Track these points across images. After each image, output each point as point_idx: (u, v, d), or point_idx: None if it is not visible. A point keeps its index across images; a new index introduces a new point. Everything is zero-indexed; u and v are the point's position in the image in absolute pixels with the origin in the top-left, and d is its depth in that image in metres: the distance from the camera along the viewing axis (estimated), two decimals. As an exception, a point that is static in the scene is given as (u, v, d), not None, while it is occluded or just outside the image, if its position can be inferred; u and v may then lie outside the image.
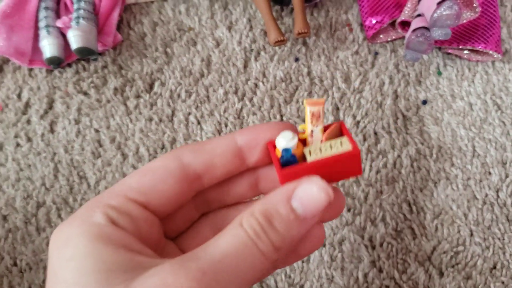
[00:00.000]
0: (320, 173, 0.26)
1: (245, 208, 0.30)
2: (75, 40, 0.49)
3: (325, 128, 0.28)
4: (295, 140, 0.28)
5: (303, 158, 0.28)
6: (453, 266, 0.43)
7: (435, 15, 0.46)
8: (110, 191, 0.27)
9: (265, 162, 0.30)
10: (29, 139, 0.49)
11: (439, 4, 0.46)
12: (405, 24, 0.51)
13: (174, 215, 0.30)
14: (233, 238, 0.24)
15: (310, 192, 0.25)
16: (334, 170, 0.27)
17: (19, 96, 0.51)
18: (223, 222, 0.31)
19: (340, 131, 0.29)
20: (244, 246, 0.24)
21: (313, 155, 0.27)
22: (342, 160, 0.27)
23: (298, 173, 0.27)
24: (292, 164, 0.27)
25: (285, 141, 0.27)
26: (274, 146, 0.28)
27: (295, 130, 0.29)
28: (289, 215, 0.25)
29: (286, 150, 0.27)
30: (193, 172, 0.28)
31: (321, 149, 0.27)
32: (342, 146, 0.27)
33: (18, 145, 0.49)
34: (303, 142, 0.29)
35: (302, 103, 0.50)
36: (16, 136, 0.49)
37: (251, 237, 0.24)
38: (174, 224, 0.30)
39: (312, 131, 0.28)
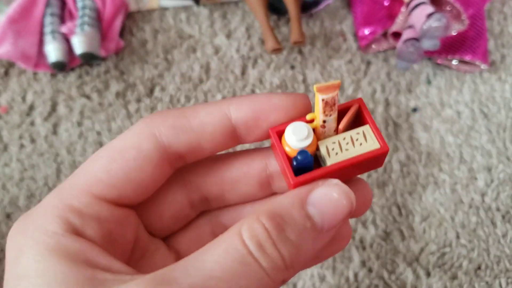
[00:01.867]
0: (340, 174, 0.22)
1: (253, 208, 0.26)
2: (79, 45, 0.51)
3: (339, 113, 0.23)
4: (311, 138, 0.22)
5: (317, 156, 0.23)
6: (439, 267, 0.45)
7: (425, 26, 0.48)
8: (72, 185, 0.22)
9: (265, 138, 0.24)
10: (33, 140, 0.50)
11: (428, 16, 0.48)
12: (397, 35, 0.53)
13: (159, 210, 0.25)
14: (226, 252, 0.19)
15: (329, 198, 0.21)
16: (356, 169, 0.23)
17: (23, 98, 0.52)
18: (227, 221, 0.27)
19: (358, 114, 0.24)
20: (241, 264, 0.19)
21: (332, 156, 0.22)
22: (368, 160, 0.22)
23: (315, 180, 0.22)
24: (308, 169, 0.22)
25: (298, 139, 0.22)
26: (279, 134, 0.23)
27: (306, 113, 0.23)
28: (305, 222, 0.20)
29: (303, 154, 0.22)
30: (173, 154, 0.23)
31: (341, 146, 0.22)
32: (367, 141, 0.22)
33: (22, 146, 0.50)
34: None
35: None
36: (20, 137, 0.51)
37: (252, 251, 0.19)
38: (162, 221, 0.25)
39: (324, 122, 0.23)
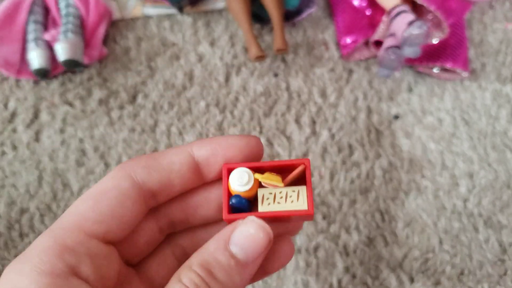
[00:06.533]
0: (269, 220, 0.26)
1: (214, 229, 0.30)
2: (62, 52, 0.51)
3: (285, 166, 0.27)
4: (250, 184, 0.27)
5: (256, 200, 0.27)
6: (423, 272, 0.45)
7: (406, 34, 0.48)
8: (62, 225, 0.24)
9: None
10: (14, 147, 0.50)
11: (409, 24, 0.49)
12: (379, 43, 0.54)
13: (134, 239, 0.27)
14: None
15: (248, 234, 0.25)
16: (284, 220, 0.27)
17: (6, 105, 0.52)
18: (187, 245, 0.30)
19: (303, 173, 0.28)
20: None
21: (265, 205, 0.26)
22: (294, 216, 0.26)
23: None
24: (242, 210, 0.27)
25: (239, 184, 0.26)
26: (230, 171, 0.27)
27: (258, 151, 0.28)
28: (230, 262, 0.24)
29: (236, 198, 0.26)
30: (148, 191, 0.26)
31: (275, 198, 0.26)
32: (298, 201, 0.26)
33: (3, 153, 0.50)
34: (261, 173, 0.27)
35: (281, 116, 0.52)
36: (2, 144, 0.50)
37: None
38: (135, 249, 0.28)
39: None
